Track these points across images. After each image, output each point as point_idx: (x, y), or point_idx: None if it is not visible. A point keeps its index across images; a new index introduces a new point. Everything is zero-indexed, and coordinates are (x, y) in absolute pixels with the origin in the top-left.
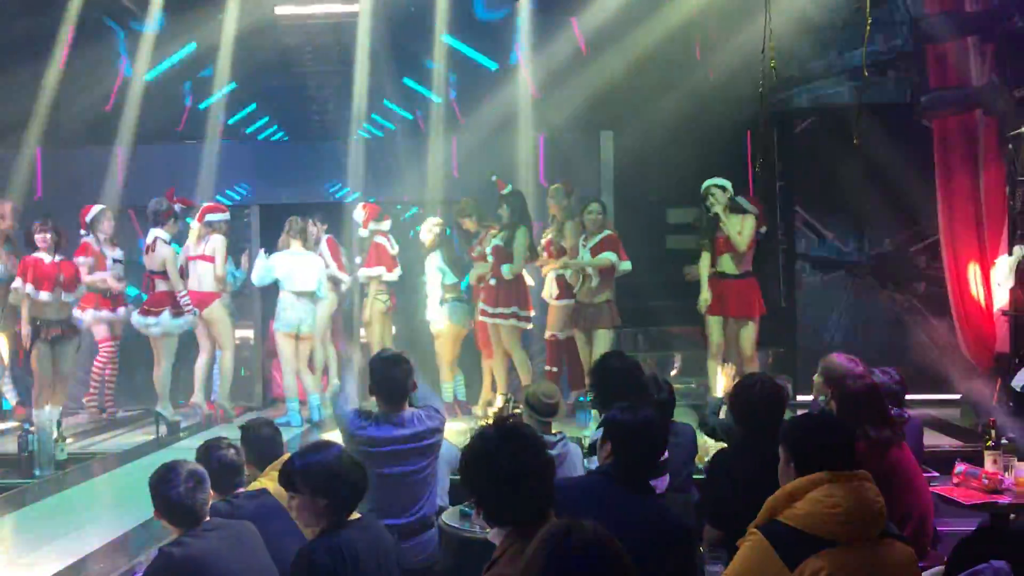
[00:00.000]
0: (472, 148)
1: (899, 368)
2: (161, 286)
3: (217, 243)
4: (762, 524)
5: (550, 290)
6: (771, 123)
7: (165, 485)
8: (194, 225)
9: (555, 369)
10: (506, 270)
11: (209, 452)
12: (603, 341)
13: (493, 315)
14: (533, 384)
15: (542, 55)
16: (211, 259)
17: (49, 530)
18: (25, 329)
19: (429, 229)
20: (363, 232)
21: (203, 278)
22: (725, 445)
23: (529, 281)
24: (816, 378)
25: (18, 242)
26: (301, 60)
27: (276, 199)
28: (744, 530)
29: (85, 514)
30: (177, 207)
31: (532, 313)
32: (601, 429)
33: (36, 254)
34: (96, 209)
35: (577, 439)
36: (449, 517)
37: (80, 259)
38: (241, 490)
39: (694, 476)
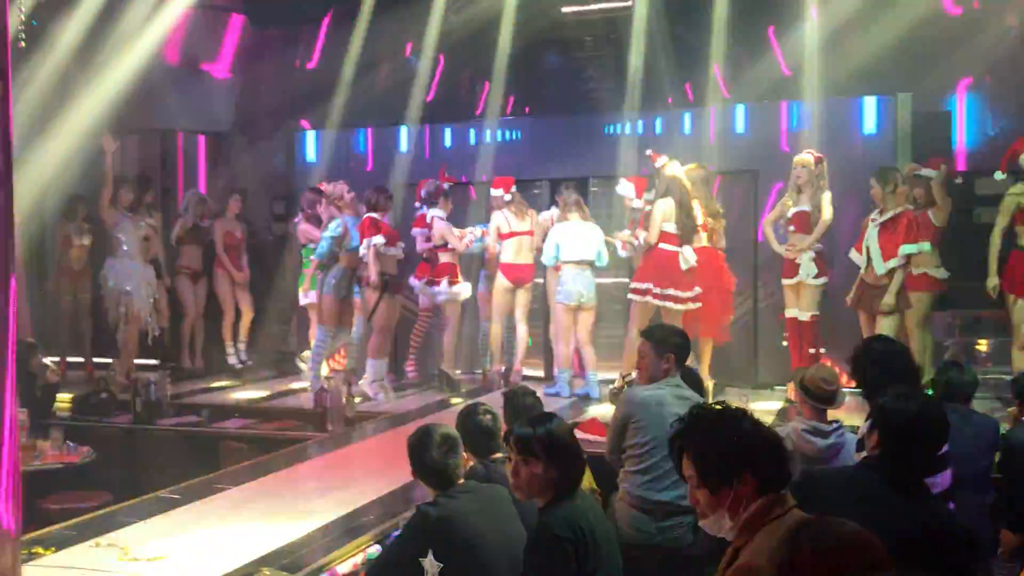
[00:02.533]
0: (745, 117)
1: None
2: (443, 258)
3: (536, 218)
4: None
5: (808, 269)
6: None
7: (420, 448)
8: (507, 196)
9: (816, 351)
10: (641, 237)
11: (467, 417)
12: (888, 325)
13: (632, 291)
14: (811, 368)
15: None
16: (531, 233)
17: (331, 481)
18: (375, 278)
19: None
20: (637, 203)
21: (524, 252)
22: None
23: (685, 261)
24: None
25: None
26: (579, 41)
27: (564, 173)
28: None
29: (365, 467)
30: (446, 186)
31: (678, 292)
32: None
33: (370, 215)
34: (432, 184)
35: (853, 428)
36: None
37: (417, 230)
38: (498, 455)
39: (994, 476)
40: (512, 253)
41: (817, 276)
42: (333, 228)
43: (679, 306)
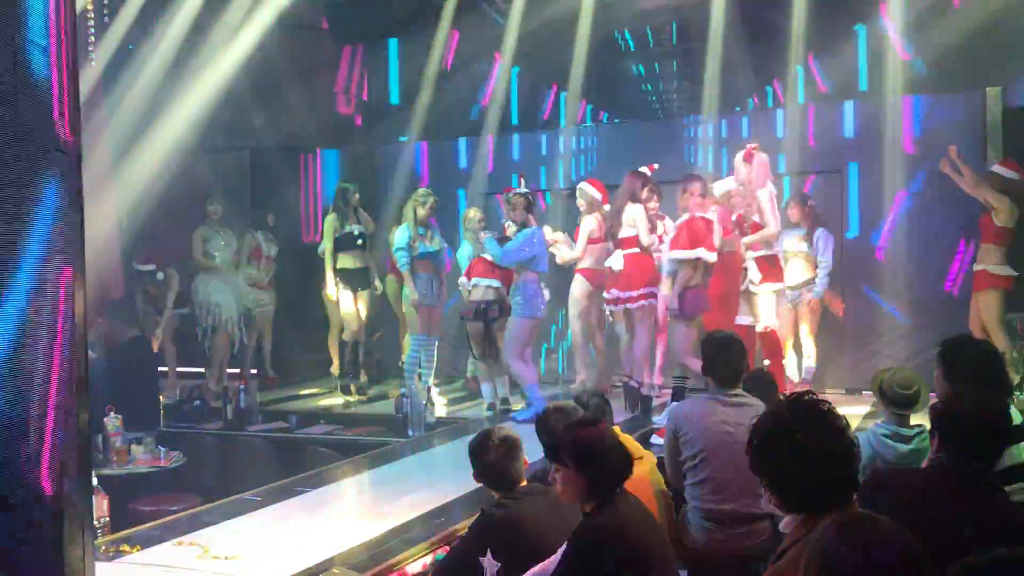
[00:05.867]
0: (828, 117)
1: None
2: None
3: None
4: None
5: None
6: None
7: (480, 450)
8: (607, 206)
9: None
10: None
11: (539, 420)
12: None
13: None
14: (889, 371)
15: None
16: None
17: (410, 484)
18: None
19: (795, 204)
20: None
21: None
22: None
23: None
24: None
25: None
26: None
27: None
28: None
29: (443, 472)
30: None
31: (618, 293)
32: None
33: None
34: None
35: None
36: None
37: None
38: None
39: None
40: (594, 260)
41: (761, 283)
42: (400, 238)
43: (611, 307)
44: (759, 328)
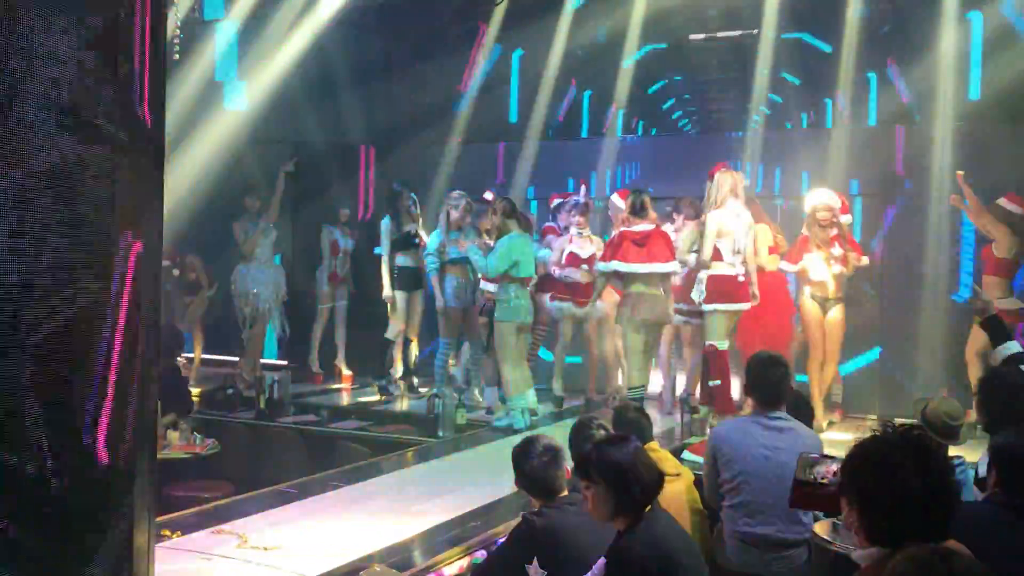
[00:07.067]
0: (877, 140)
1: None
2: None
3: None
4: None
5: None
6: None
7: (523, 458)
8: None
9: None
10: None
11: (580, 430)
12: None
13: None
14: (936, 401)
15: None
16: None
17: (440, 485)
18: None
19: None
20: (846, 218)
21: None
22: None
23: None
24: None
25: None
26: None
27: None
28: None
29: (474, 474)
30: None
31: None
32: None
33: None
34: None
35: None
36: (821, 529)
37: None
38: None
39: None
40: None
41: (707, 302)
42: (430, 242)
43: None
44: (706, 344)
